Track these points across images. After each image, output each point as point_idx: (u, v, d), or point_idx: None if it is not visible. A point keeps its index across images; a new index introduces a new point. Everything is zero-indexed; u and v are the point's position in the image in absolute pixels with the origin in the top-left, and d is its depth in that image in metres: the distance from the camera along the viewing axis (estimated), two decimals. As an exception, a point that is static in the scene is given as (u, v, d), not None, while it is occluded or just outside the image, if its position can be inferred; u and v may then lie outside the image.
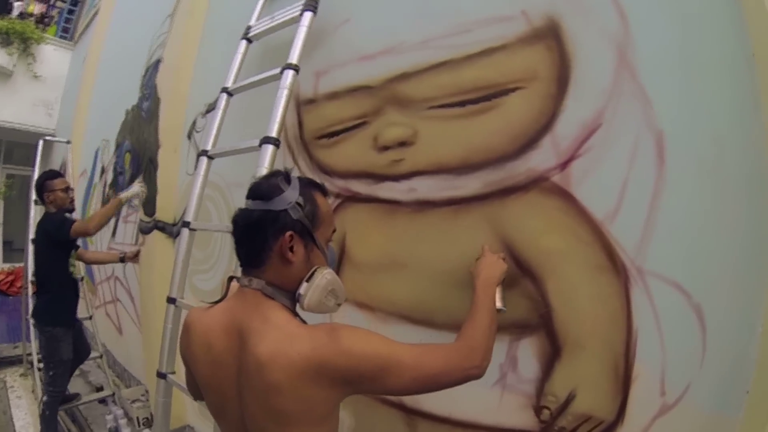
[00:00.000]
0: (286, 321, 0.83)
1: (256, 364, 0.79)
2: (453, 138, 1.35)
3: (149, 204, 3.10)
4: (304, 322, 0.89)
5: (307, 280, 0.85)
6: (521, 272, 1.16)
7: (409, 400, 1.40)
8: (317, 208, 0.89)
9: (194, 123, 2.79)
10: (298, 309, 0.88)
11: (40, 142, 4.77)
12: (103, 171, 4.41)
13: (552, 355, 1.09)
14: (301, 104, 1.86)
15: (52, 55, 6.94)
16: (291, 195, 0.86)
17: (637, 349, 0.98)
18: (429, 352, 0.87)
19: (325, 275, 0.85)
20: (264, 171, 1.46)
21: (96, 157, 4.71)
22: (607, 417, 1.01)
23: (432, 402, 1.34)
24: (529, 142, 1.19)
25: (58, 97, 7.01)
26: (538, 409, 1.10)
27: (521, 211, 1.19)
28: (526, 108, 1.20)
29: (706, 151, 0.94)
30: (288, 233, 0.84)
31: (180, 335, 0.98)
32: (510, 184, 1.22)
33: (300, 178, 0.91)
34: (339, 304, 0.90)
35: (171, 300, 1.87)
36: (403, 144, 1.46)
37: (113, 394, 3.39)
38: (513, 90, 1.23)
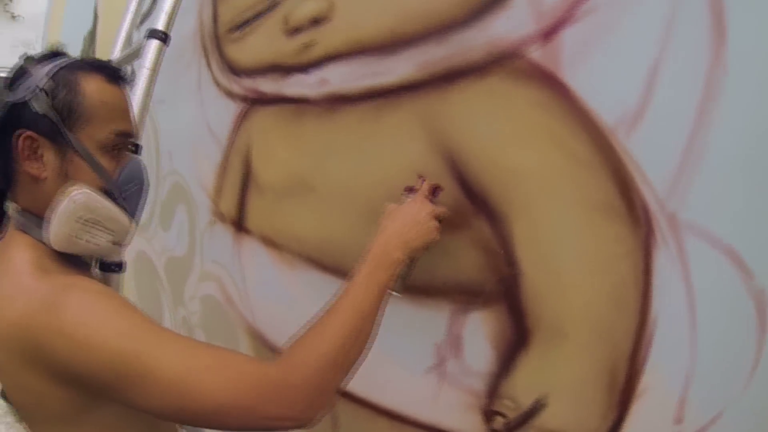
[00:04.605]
0: (25, 266, 0.58)
1: None
2: (379, 4, 0.87)
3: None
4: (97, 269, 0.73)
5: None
6: (473, 206, 0.73)
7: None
8: (78, 97, 0.62)
9: (129, 38, 2.32)
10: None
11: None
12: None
13: (515, 341, 0.70)
14: (219, -7, 1.40)
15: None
16: (36, 78, 0.61)
17: (651, 349, 0.59)
18: (211, 370, 0.53)
19: (73, 197, 0.58)
20: (146, 73, 1.16)
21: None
22: (589, 439, 0.66)
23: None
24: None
25: (38, 35, 6.26)
26: (488, 413, 0.74)
27: (474, 106, 0.73)
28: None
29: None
30: (22, 134, 0.60)
31: None
32: (457, 64, 0.74)
33: (74, 60, 0.64)
34: (117, 243, 0.64)
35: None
36: (316, 22, 1.00)
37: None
38: None
